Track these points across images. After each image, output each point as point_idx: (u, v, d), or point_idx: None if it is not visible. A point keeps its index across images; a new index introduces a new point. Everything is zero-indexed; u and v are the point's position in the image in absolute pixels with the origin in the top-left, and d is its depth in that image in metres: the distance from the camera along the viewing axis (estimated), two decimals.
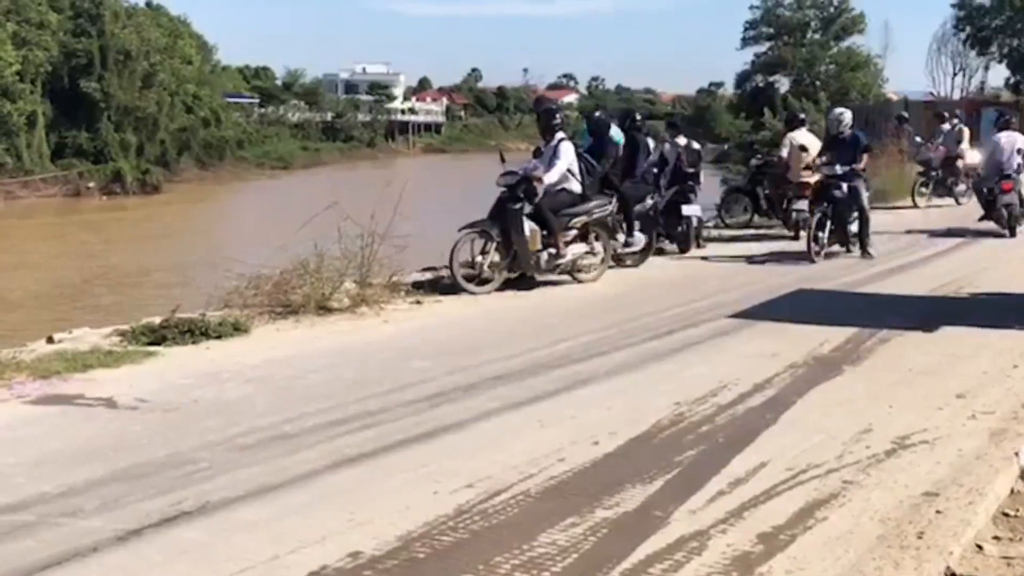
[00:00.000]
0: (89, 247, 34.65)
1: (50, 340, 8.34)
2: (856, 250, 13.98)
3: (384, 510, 4.73)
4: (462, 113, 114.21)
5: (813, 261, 13.20)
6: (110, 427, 6.15)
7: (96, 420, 6.30)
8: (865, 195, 13.99)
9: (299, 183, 55.41)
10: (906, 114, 26.18)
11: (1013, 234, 16.18)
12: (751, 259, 13.85)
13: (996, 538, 4.59)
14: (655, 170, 14.49)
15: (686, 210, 14.19)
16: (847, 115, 14.34)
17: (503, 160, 11.81)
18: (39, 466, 5.38)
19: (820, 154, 14.63)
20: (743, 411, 6.42)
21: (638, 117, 14.56)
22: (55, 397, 6.76)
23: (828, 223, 13.62)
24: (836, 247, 14.00)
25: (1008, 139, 16.78)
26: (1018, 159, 16.46)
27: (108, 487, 5.05)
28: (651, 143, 15.08)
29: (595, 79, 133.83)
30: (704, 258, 14.06)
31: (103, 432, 6.02)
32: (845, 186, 13.60)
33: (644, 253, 13.16)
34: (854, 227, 13.94)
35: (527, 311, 10.03)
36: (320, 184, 43.11)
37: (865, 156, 13.96)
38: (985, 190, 16.58)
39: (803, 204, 15.64)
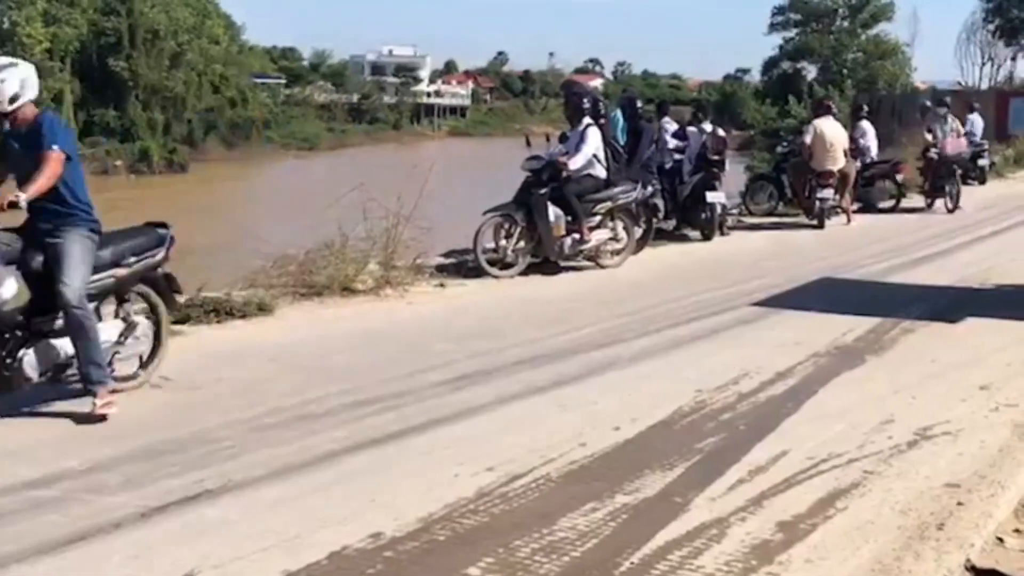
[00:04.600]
0: (116, 225, 34.80)
1: None
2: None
3: (405, 492, 4.76)
4: (488, 96, 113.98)
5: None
6: (134, 404, 6.20)
7: (120, 397, 6.35)
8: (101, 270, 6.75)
9: (325, 164, 55.51)
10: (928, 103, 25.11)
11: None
12: (776, 247, 13.77)
13: (1017, 531, 4.57)
14: (677, 156, 14.46)
15: (710, 197, 14.06)
16: None
17: (529, 144, 11.83)
18: (64, 441, 5.44)
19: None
20: (765, 399, 6.41)
21: (639, 104, 14.47)
22: None
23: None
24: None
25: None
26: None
27: (132, 464, 5.11)
28: (671, 128, 15.06)
29: (621, 64, 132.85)
30: (727, 246, 13.98)
31: (127, 409, 6.06)
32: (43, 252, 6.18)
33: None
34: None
35: (550, 296, 10.03)
36: (345, 165, 43.18)
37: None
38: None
39: (826, 193, 15.57)
